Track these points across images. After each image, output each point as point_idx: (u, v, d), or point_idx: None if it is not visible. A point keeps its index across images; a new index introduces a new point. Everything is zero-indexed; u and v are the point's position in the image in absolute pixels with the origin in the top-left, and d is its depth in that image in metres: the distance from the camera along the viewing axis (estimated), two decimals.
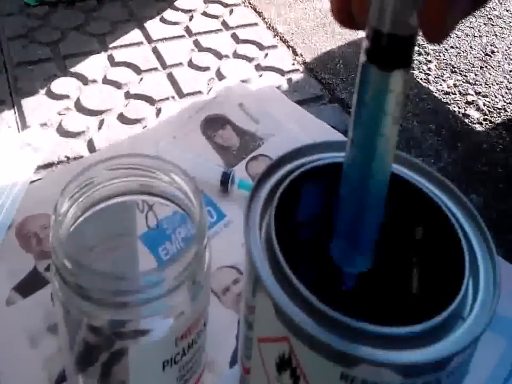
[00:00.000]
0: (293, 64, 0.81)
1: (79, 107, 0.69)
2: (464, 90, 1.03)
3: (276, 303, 0.26)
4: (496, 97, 1.01)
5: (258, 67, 0.79)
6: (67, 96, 0.71)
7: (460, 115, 0.89)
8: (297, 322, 0.25)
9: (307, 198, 0.35)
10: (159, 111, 0.70)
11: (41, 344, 0.44)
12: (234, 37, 0.86)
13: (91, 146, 0.63)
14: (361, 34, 0.93)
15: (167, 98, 0.72)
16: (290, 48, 0.85)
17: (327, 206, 0.34)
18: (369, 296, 0.35)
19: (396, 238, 0.35)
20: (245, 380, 0.33)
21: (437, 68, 1.07)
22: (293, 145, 0.64)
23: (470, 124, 0.79)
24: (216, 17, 0.90)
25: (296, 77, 0.79)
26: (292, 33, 0.89)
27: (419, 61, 1.14)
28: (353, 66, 0.82)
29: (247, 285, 0.30)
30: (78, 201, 0.33)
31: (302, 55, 0.83)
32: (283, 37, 0.87)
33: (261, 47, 0.83)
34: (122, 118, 0.68)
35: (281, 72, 0.79)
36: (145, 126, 0.67)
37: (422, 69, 1.10)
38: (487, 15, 1.18)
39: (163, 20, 0.88)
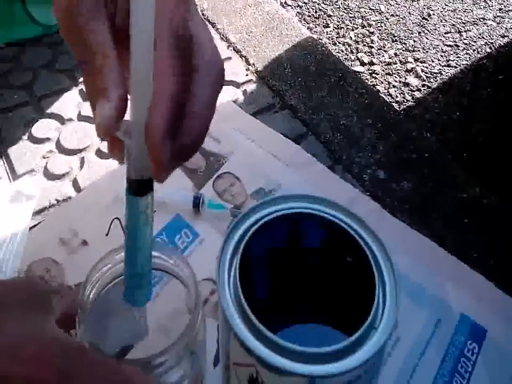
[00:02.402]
0: (247, 74, 0.89)
1: (60, 148, 0.78)
2: (404, 58, 1.11)
3: (244, 343, 0.36)
4: (433, 61, 1.09)
5: None
6: (48, 139, 0.79)
7: (393, 104, 0.97)
8: (259, 355, 0.35)
9: (266, 241, 0.44)
10: None
11: None
12: None
13: (76, 186, 0.72)
14: (307, 34, 1.00)
15: None
16: (243, 58, 0.93)
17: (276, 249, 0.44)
18: (312, 315, 0.45)
19: (325, 265, 0.45)
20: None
21: (379, 39, 1.16)
22: (252, 160, 0.73)
23: (402, 112, 0.87)
24: None
25: (250, 87, 0.87)
26: (244, 42, 0.96)
27: (362, 34, 1.22)
28: (299, 69, 0.90)
29: (222, 331, 0.40)
30: (98, 283, 0.43)
31: (254, 65, 0.91)
32: (236, 47, 0.95)
33: None
34: (100, 154, 0.77)
35: (237, 85, 0.87)
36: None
37: (366, 42, 1.17)
38: None
39: None
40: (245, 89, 0.87)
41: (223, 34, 0.98)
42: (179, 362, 0.42)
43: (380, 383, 0.42)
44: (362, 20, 1.22)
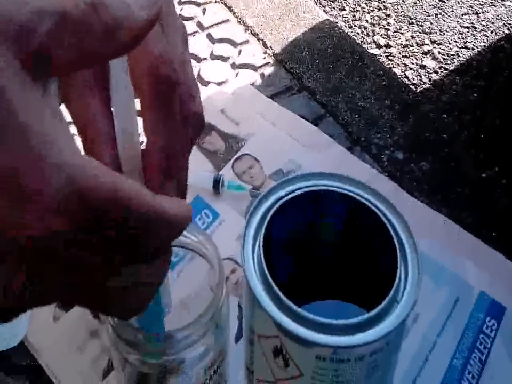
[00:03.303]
0: (264, 58, 0.90)
1: None
2: (421, 41, 1.10)
3: (268, 313, 0.37)
4: (450, 43, 1.09)
5: (234, 65, 0.88)
6: None
7: (410, 86, 0.96)
8: (284, 326, 0.36)
9: (289, 220, 0.45)
10: None
11: (87, 348, 0.56)
12: (210, 37, 0.94)
13: None
14: (324, 17, 1.01)
15: None
16: (261, 41, 0.93)
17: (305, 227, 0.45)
18: (331, 292, 0.46)
19: (346, 243, 0.46)
20: (250, 358, 0.45)
21: (396, 22, 1.15)
22: (271, 142, 0.74)
23: (420, 94, 0.87)
24: (191, 18, 0.98)
25: (267, 70, 0.88)
26: (261, 25, 0.97)
27: (379, 17, 1.21)
28: (317, 52, 0.90)
29: (247, 304, 0.41)
30: None
31: (271, 47, 0.92)
32: (253, 30, 0.96)
33: (234, 44, 0.92)
34: None
35: (254, 68, 0.88)
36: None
37: (382, 25, 1.17)
38: None
39: None
40: (263, 72, 0.87)
41: (240, 18, 0.98)
42: (203, 336, 0.43)
43: (400, 356, 0.43)
44: (379, 2, 1.22)
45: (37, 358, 0.55)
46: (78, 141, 0.27)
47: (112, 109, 0.30)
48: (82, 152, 0.22)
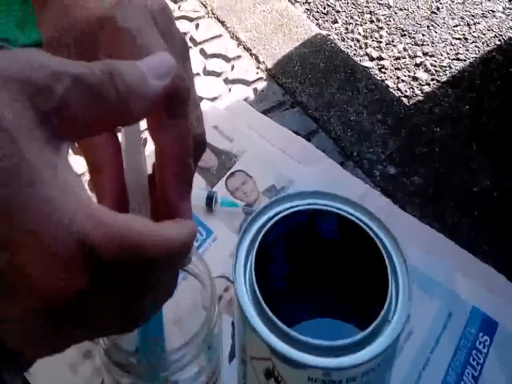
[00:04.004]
0: (257, 72, 0.90)
1: None
2: (413, 53, 1.11)
3: (259, 335, 0.37)
4: (442, 55, 1.09)
5: (226, 81, 0.89)
6: None
7: (403, 98, 0.97)
8: (276, 348, 0.36)
9: (283, 241, 0.45)
10: (144, 140, 0.80)
11: (79, 369, 0.56)
12: (203, 52, 0.95)
13: None
14: (316, 31, 1.01)
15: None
16: (253, 56, 0.94)
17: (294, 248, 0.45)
18: (326, 310, 0.47)
19: (340, 261, 0.46)
20: (243, 379, 0.45)
21: (388, 34, 1.16)
22: (263, 158, 0.75)
23: (412, 107, 0.88)
24: (184, 33, 0.99)
25: (260, 85, 0.88)
26: (254, 40, 0.97)
27: (371, 29, 1.22)
28: (309, 66, 0.91)
29: (239, 325, 0.41)
30: None
31: (264, 62, 0.92)
32: (246, 45, 0.96)
33: (227, 59, 0.92)
34: None
35: (247, 83, 0.88)
36: None
37: (374, 37, 1.17)
38: None
39: None
40: (256, 87, 0.88)
41: (232, 33, 0.99)
42: (197, 357, 0.43)
43: (394, 374, 0.43)
44: (371, 14, 1.22)
45: (29, 379, 0.55)
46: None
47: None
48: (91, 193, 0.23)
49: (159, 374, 0.43)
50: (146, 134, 0.30)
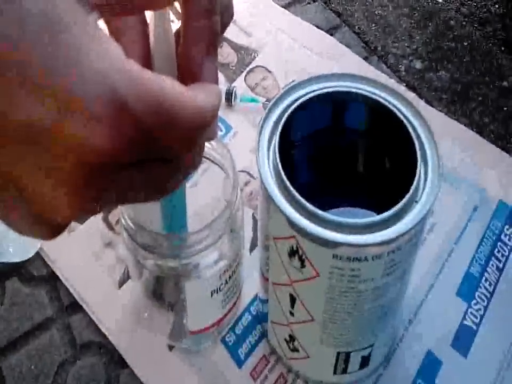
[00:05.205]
0: None
1: None
2: None
3: (284, 213, 0.36)
4: None
5: None
6: None
7: None
8: (300, 225, 0.35)
9: (305, 123, 0.44)
10: None
11: (102, 257, 0.56)
12: None
13: None
14: None
15: None
16: None
17: (321, 129, 0.44)
18: (350, 199, 0.45)
19: (366, 146, 0.45)
20: (265, 265, 0.44)
21: None
22: (284, 53, 0.72)
23: (440, 1, 0.83)
24: None
25: None
26: None
27: None
28: None
29: (263, 202, 0.40)
30: None
31: None
32: None
33: None
34: None
35: None
36: None
37: None
38: None
39: None
40: None
41: None
42: (219, 239, 0.42)
43: (417, 262, 0.42)
44: None
45: (53, 268, 0.55)
46: None
47: None
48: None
49: (181, 255, 0.42)
50: None
